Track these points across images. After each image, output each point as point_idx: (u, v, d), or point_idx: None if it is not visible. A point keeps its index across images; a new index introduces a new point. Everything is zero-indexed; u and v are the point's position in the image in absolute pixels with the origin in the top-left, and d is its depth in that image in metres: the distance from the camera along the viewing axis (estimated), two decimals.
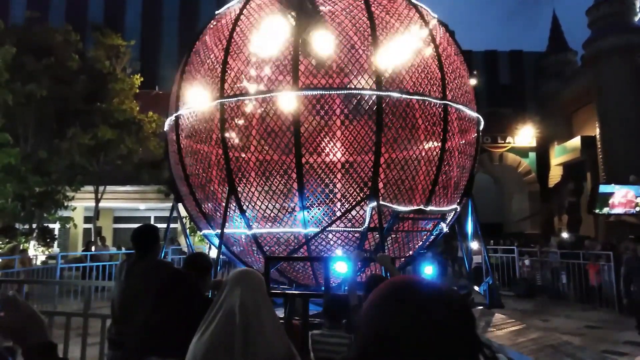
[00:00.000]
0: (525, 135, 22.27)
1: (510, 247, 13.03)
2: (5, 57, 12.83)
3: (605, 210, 13.20)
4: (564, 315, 9.32)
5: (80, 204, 17.45)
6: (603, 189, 13.11)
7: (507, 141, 22.40)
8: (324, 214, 6.51)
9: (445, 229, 7.46)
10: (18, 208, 13.79)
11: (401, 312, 0.73)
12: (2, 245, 12.39)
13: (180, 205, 8.21)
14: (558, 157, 22.77)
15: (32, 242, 14.13)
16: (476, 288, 7.85)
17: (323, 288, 4.46)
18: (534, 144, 22.58)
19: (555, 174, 22.97)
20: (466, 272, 8.55)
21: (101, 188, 16.48)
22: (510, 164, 22.74)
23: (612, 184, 13.85)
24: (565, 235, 15.60)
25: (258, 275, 1.59)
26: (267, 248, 6.78)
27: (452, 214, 7.36)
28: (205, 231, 7.72)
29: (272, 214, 6.49)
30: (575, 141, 21.32)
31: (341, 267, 5.67)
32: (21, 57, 13.66)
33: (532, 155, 22.81)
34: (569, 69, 25.46)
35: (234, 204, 6.54)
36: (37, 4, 27.58)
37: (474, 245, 8.75)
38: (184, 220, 9.58)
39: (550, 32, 27.69)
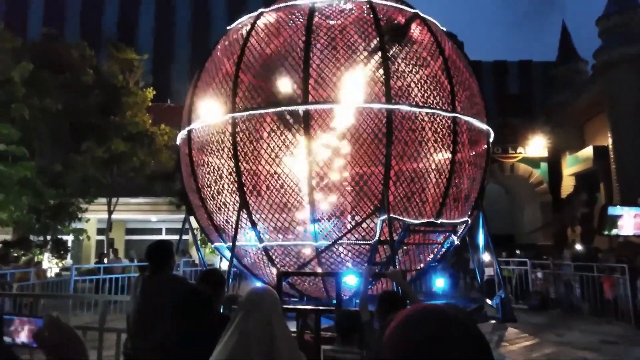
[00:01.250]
0: (537, 145, 22.12)
1: (523, 260, 12.89)
2: (22, 73, 13.13)
3: (615, 231, 13.05)
4: (579, 329, 9.17)
5: (93, 216, 17.66)
6: (612, 210, 13.01)
7: (518, 151, 22.26)
8: (334, 227, 6.53)
9: (457, 242, 7.43)
10: (33, 220, 14.01)
11: (426, 344, 0.74)
12: (19, 257, 12.57)
13: (191, 217, 8.29)
14: (570, 167, 22.54)
15: (46, 254, 14.31)
16: (488, 301, 7.78)
17: (334, 302, 4.47)
18: (545, 154, 22.41)
19: (567, 185, 22.74)
20: (478, 285, 8.49)
21: (114, 200, 16.68)
22: (522, 174, 22.58)
23: (621, 206, 13.79)
24: (578, 247, 15.40)
25: (272, 295, 1.62)
26: (278, 260, 6.81)
27: (463, 226, 7.33)
28: (217, 244, 7.78)
29: (282, 227, 6.53)
30: (588, 151, 21.12)
31: (352, 280, 5.68)
32: (38, 72, 13.97)
33: (544, 165, 22.64)
34: (580, 78, 25.30)
35: (245, 217, 6.60)
36: (54, 20, 28.27)
37: (486, 257, 8.69)
38: (195, 232, 9.66)
39: (559, 41, 27.58)
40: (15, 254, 12.84)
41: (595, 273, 10.59)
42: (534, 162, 22.44)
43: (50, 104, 13.89)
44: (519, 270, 12.44)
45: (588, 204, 20.38)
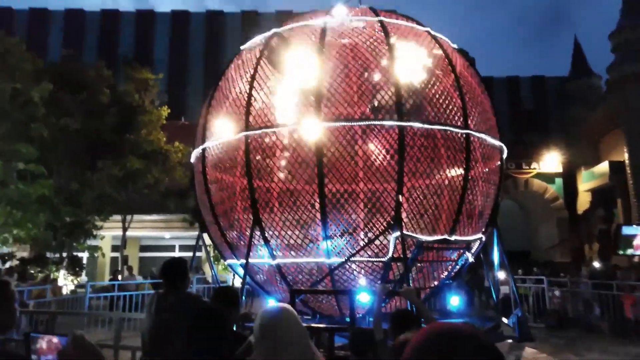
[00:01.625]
0: (551, 160, 21.89)
1: (540, 277, 12.66)
2: (42, 93, 13.48)
3: (630, 251, 12.82)
4: (599, 349, 8.94)
5: (108, 233, 17.85)
6: (626, 230, 12.79)
7: (532, 167, 22.04)
8: (347, 244, 6.52)
9: (471, 259, 7.35)
10: (50, 238, 14.21)
11: None
12: (35, 274, 12.74)
13: (205, 234, 8.34)
14: (586, 182, 22.23)
15: (62, 271, 14.47)
16: (505, 320, 7.63)
17: (348, 320, 4.44)
18: (560, 169, 22.14)
19: (583, 200, 22.39)
20: (494, 303, 8.35)
21: (128, 217, 16.87)
22: (536, 190, 22.30)
23: (637, 225, 13.56)
24: (596, 264, 15.08)
25: (288, 316, 1.63)
26: (291, 278, 6.80)
27: (477, 243, 7.25)
28: (230, 261, 7.80)
29: (295, 244, 6.54)
30: (604, 166, 20.83)
31: (365, 298, 5.64)
32: (57, 92, 14.34)
33: (559, 181, 22.35)
34: (594, 93, 25.14)
35: (258, 234, 6.62)
36: (73, 42, 29.09)
37: (501, 275, 8.56)
38: (208, 249, 9.71)
39: (572, 57, 27.52)
40: (32, 271, 13.02)
41: (614, 291, 10.35)
42: (548, 178, 22.17)
43: (69, 123, 14.21)
44: (536, 288, 12.21)
45: (605, 220, 20.02)
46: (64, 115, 14.35)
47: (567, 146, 22.59)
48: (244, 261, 6.78)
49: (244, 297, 7.16)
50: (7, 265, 13.51)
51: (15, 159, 13.32)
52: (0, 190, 13.07)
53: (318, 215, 6.37)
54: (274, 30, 7.52)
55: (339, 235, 6.57)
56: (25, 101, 13.48)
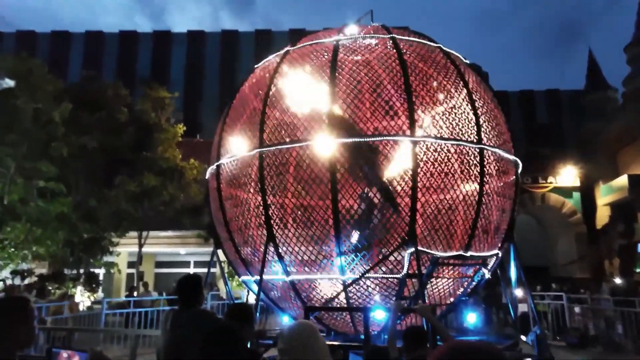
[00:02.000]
0: (568, 174, 21.59)
1: (559, 294, 12.39)
2: (63, 113, 13.84)
3: None
4: None
5: (124, 249, 18.04)
6: None
7: (548, 181, 21.75)
8: (361, 260, 6.48)
9: (487, 275, 7.24)
10: (68, 254, 14.42)
11: None
12: (53, 291, 12.91)
13: (219, 251, 8.38)
14: (604, 196, 21.82)
15: (79, 288, 14.64)
16: (523, 338, 7.47)
17: (363, 337, 4.41)
18: (577, 183, 21.81)
19: (602, 215, 21.95)
20: (512, 321, 8.19)
21: (144, 233, 17.05)
22: (554, 204, 21.96)
23: None
24: (617, 280, 14.71)
25: (310, 332, 1.63)
26: (305, 295, 6.78)
27: (494, 259, 7.15)
28: (244, 277, 7.81)
29: (309, 260, 6.53)
30: (622, 180, 20.46)
31: (380, 315, 5.59)
32: (76, 112, 14.71)
33: (577, 195, 21.99)
34: (611, 106, 24.83)
35: (272, 250, 6.63)
36: (92, 62, 29.89)
37: (519, 291, 8.40)
38: (223, 265, 9.73)
39: (587, 70, 27.29)
40: (50, 288, 13.20)
41: (637, 308, 10.08)
42: (565, 192, 21.84)
43: (88, 142, 14.54)
44: (555, 304, 11.94)
45: (625, 235, 19.57)
46: (83, 134, 14.70)
47: (584, 160, 22.28)
48: (258, 277, 6.79)
49: (258, 314, 7.15)
50: (26, 281, 13.73)
51: (36, 177, 13.64)
52: (20, 207, 13.36)
53: (332, 231, 6.37)
54: (287, 48, 7.65)
55: (353, 252, 6.54)
56: (47, 121, 13.85)
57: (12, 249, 13.18)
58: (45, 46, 32.50)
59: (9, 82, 11.74)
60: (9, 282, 13.73)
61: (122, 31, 34.89)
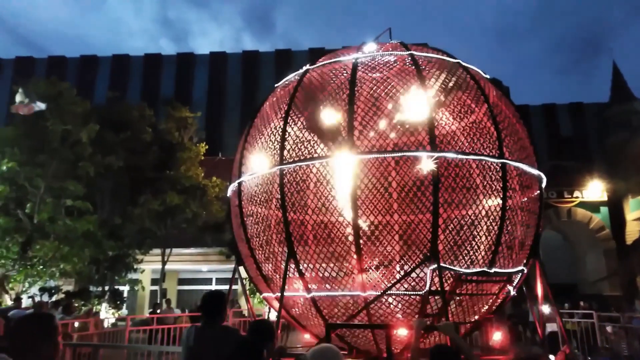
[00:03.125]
0: (594, 188, 21.04)
1: (588, 312, 11.98)
2: (90, 134, 14.28)
3: None
4: None
5: (148, 266, 18.29)
6: None
7: (574, 196, 21.23)
8: (382, 277, 6.43)
9: (513, 292, 7.08)
10: (93, 271, 14.71)
11: None
12: (79, 307, 13.14)
13: (241, 267, 8.42)
14: (634, 211, 21.16)
15: (104, 304, 14.87)
16: (552, 358, 7.24)
17: (385, 356, 4.35)
18: (604, 197, 21.22)
19: (632, 230, 21.25)
20: (539, 339, 7.95)
21: (167, 251, 17.27)
22: (580, 219, 21.38)
23: None
24: None
25: (333, 356, 1.64)
26: (326, 312, 6.74)
27: (519, 275, 7.00)
28: (265, 294, 7.82)
29: (330, 277, 6.51)
30: None
31: (402, 333, 5.51)
32: (102, 132, 15.16)
33: (604, 209, 21.38)
34: (637, 118, 24.27)
35: (293, 266, 6.64)
36: (118, 84, 30.85)
37: (546, 309, 8.17)
38: (244, 282, 9.76)
39: (611, 82, 26.82)
40: (76, 304, 13.45)
41: None
42: (593, 207, 21.26)
43: (113, 162, 14.93)
44: (585, 323, 11.55)
45: None
46: (109, 154, 15.11)
47: (610, 173, 21.74)
48: (279, 294, 6.80)
49: (279, 331, 7.13)
50: (54, 298, 14.02)
51: (64, 196, 14.04)
52: (49, 226, 13.74)
53: (352, 247, 6.35)
54: (306, 67, 7.77)
55: (375, 268, 6.50)
56: (74, 141, 14.30)
57: (41, 266, 13.52)
58: (74, 70, 33.72)
59: (41, 105, 12.22)
60: (37, 298, 14.06)
61: (147, 54, 35.96)
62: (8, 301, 13.05)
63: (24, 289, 13.88)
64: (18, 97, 12.39)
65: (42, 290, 14.48)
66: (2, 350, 1.89)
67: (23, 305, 12.19)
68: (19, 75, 27.41)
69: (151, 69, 34.29)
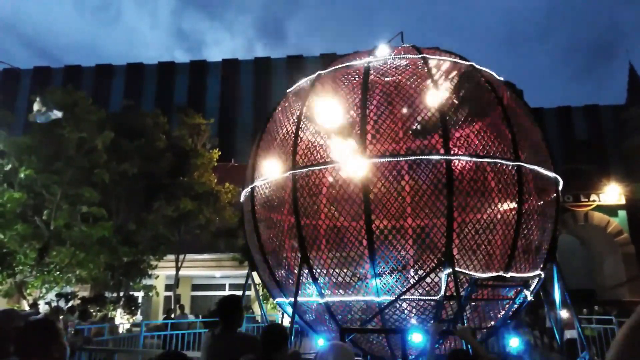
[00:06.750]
0: (612, 192, 20.65)
1: (607, 317, 11.72)
2: (105, 141, 14.47)
3: None
4: None
5: (162, 272, 18.41)
6: None
7: (591, 199, 20.86)
8: (396, 282, 6.37)
9: (530, 297, 6.95)
10: (108, 277, 14.85)
11: None
12: (94, 313, 13.27)
13: (254, 273, 8.42)
14: None
15: (119, 310, 14.99)
16: None
17: None
18: (622, 201, 20.81)
19: None
20: (557, 346, 7.79)
21: (181, 257, 17.37)
22: (598, 223, 20.99)
23: None
24: None
25: (344, 353, 1.62)
26: (340, 317, 6.69)
27: (536, 280, 6.88)
28: (279, 299, 7.80)
29: (344, 282, 6.47)
30: None
31: (417, 338, 5.44)
32: (117, 139, 15.35)
33: (622, 213, 20.96)
34: None
35: (306, 272, 6.61)
36: (133, 92, 31.30)
37: (564, 314, 8.01)
38: (257, 287, 9.76)
39: (628, 84, 26.42)
40: (92, 310, 13.58)
41: None
42: (610, 210, 20.86)
43: (128, 168, 15.10)
44: (604, 329, 11.30)
45: None
46: (123, 161, 15.29)
47: (628, 176, 21.34)
48: (292, 300, 6.77)
49: (292, 336, 7.10)
50: (70, 304, 14.18)
51: (80, 202, 14.22)
52: (65, 232, 13.92)
53: (366, 252, 6.30)
54: (318, 72, 7.78)
55: (388, 273, 6.44)
56: (90, 149, 14.50)
57: (58, 272, 13.69)
58: (89, 78, 34.30)
59: (58, 114, 12.43)
60: (54, 304, 14.23)
61: (160, 62, 36.43)
62: (25, 307, 13.22)
63: (41, 295, 14.07)
64: (35, 106, 12.62)
65: (59, 296, 14.66)
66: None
67: (40, 311, 12.35)
68: (37, 84, 27.98)
69: (165, 77, 34.71)
